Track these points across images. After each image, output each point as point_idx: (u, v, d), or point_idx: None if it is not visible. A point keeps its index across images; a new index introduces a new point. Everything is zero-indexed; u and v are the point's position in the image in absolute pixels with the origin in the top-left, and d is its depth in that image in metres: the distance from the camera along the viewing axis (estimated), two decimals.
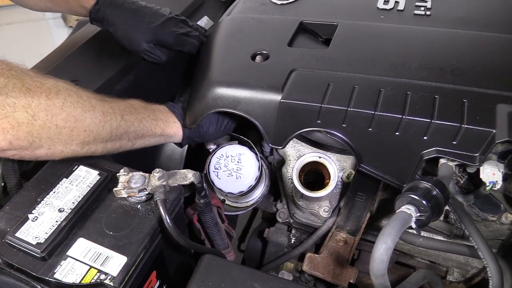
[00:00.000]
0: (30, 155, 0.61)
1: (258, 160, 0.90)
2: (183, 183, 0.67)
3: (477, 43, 0.80)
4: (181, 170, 0.68)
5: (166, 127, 0.82)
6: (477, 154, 0.64)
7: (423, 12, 0.90)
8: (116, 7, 0.93)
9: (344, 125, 0.71)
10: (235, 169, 0.89)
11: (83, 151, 0.67)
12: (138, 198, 0.66)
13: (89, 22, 0.96)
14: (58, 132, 0.61)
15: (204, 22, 1.08)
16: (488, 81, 0.70)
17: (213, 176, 0.90)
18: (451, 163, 0.68)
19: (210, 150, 0.94)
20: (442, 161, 0.68)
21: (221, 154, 0.91)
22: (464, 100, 0.66)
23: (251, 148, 0.91)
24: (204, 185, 0.72)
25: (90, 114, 0.66)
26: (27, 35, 3.78)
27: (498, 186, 0.64)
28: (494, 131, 0.62)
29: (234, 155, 0.90)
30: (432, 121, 0.65)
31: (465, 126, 0.63)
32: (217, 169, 0.90)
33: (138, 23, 0.92)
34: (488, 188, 0.65)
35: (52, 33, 3.92)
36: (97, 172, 0.69)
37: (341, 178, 0.88)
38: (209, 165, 0.90)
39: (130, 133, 0.74)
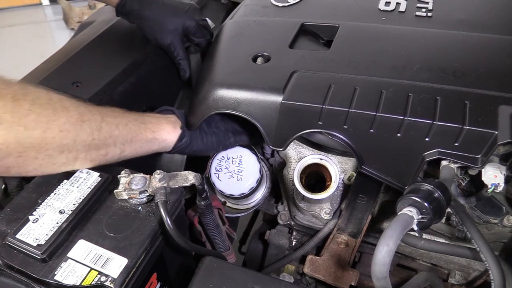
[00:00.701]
0: None
1: (259, 162, 0.90)
2: (184, 185, 0.67)
3: (479, 44, 0.80)
4: (182, 172, 0.68)
5: (158, 129, 0.75)
6: (479, 156, 0.64)
7: (424, 14, 0.90)
8: (143, 1, 0.95)
9: (346, 127, 0.71)
10: (236, 171, 0.89)
11: (61, 158, 0.61)
12: (139, 200, 0.66)
13: (115, 15, 0.99)
14: (28, 135, 0.56)
15: None
16: (490, 83, 0.70)
17: (214, 178, 0.90)
18: (453, 165, 0.67)
19: None
20: (444, 163, 0.68)
21: (222, 156, 0.91)
22: (466, 102, 0.66)
23: (252, 150, 0.91)
24: (205, 187, 0.72)
25: (65, 114, 0.60)
26: (28, 37, 3.79)
27: (500, 189, 0.64)
28: (496, 132, 0.62)
29: (235, 157, 0.90)
30: (434, 122, 0.65)
31: (467, 127, 0.63)
32: (218, 171, 0.90)
33: (164, 16, 0.95)
34: (490, 190, 0.64)
35: (54, 35, 3.94)
36: (98, 174, 0.68)
37: (343, 180, 0.87)
38: (210, 167, 0.90)
39: (115, 137, 0.68)
